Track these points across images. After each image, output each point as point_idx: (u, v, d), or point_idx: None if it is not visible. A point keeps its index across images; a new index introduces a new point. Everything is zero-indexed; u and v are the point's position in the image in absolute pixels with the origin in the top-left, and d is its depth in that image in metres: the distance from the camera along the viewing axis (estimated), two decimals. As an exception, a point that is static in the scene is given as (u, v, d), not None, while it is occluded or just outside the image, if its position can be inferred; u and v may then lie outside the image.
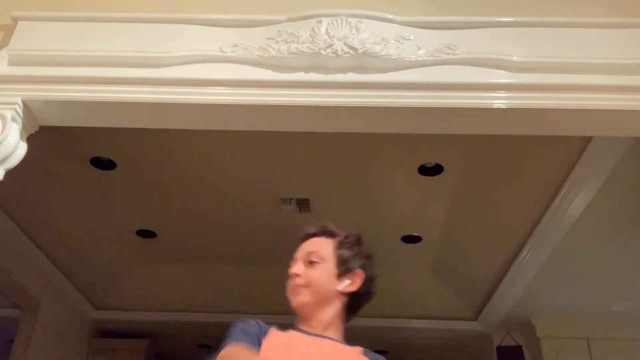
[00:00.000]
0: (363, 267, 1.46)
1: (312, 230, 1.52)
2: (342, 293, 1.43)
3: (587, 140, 2.65)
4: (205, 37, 1.87)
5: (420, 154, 2.99)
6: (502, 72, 1.80)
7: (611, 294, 4.06)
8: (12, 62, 1.84)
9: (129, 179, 3.28)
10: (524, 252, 3.67)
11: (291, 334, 1.40)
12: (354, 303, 1.45)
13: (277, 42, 1.82)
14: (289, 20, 1.86)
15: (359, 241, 1.50)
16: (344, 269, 1.44)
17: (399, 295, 4.27)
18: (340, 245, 1.47)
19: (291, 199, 3.45)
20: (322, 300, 1.42)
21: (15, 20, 1.92)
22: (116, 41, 1.86)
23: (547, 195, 3.12)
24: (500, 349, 4.64)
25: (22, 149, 1.79)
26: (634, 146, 2.49)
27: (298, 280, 1.42)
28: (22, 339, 3.92)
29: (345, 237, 1.49)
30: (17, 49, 1.86)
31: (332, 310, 1.42)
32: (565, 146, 2.73)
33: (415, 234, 3.81)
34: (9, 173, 1.75)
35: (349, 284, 1.43)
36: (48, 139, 2.75)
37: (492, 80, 1.80)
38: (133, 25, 1.90)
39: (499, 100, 1.79)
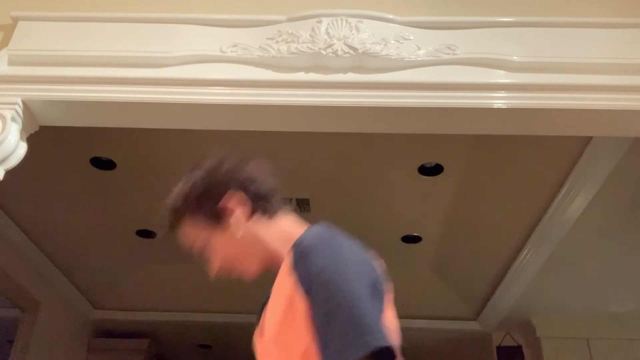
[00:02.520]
0: (226, 188, 1.15)
1: (169, 227, 1.23)
2: (242, 226, 1.14)
3: (587, 140, 2.65)
4: (205, 37, 1.87)
5: (420, 154, 2.99)
6: (502, 72, 1.80)
7: (611, 294, 4.06)
8: (12, 62, 1.84)
9: (129, 179, 3.27)
10: (524, 252, 3.67)
11: None
12: (255, 208, 1.15)
13: (277, 42, 1.83)
14: (289, 20, 1.86)
15: (202, 181, 1.18)
16: (216, 219, 1.15)
17: (398, 295, 4.23)
18: (193, 215, 1.17)
19: (291, 199, 3.44)
20: (247, 259, 1.16)
21: (15, 20, 1.92)
22: (116, 41, 1.87)
23: (547, 195, 3.12)
24: (500, 349, 4.64)
25: (22, 149, 1.79)
26: (634, 146, 2.49)
27: (214, 273, 1.20)
28: (22, 339, 3.92)
29: (181, 206, 1.18)
30: (17, 49, 1.86)
31: (257, 251, 1.16)
32: (565, 146, 2.73)
33: (415, 234, 3.81)
34: (9, 173, 1.75)
35: (237, 217, 1.14)
36: (48, 139, 2.75)
37: (492, 80, 1.80)
38: (133, 25, 1.90)
39: (499, 100, 1.79)
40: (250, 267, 1.17)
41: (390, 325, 0.97)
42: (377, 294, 0.95)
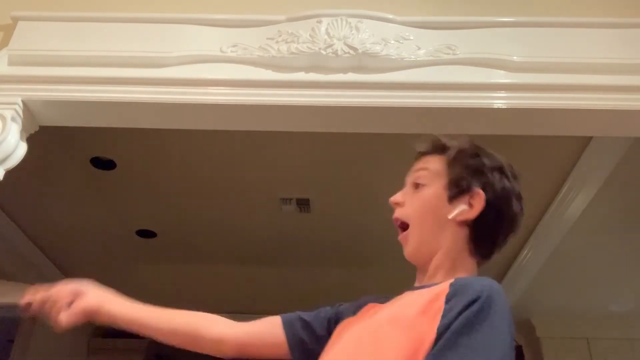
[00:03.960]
0: (485, 185, 1.13)
1: (422, 147, 1.23)
2: (460, 222, 1.10)
3: (587, 140, 2.65)
4: (205, 37, 1.87)
5: (421, 154, 2.99)
6: (502, 72, 1.80)
7: (611, 294, 4.06)
8: (12, 62, 1.84)
9: (129, 179, 3.27)
10: (524, 252, 3.67)
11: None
12: (483, 234, 1.12)
13: (277, 42, 1.82)
14: (289, 20, 1.86)
15: (479, 152, 1.19)
16: (457, 190, 1.12)
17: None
18: (453, 162, 1.15)
19: (291, 199, 3.44)
20: (430, 235, 1.13)
21: (15, 20, 1.92)
22: (116, 41, 1.86)
23: (547, 195, 3.12)
24: (500, 349, 4.63)
25: (22, 149, 1.78)
26: (634, 146, 2.49)
27: (398, 213, 1.18)
28: (22, 339, 3.92)
29: (459, 150, 1.17)
30: (17, 49, 1.86)
31: (446, 245, 1.11)
32: (565, 146, 2.73)
33: (415, 234, 3.80)
34: (9, 173, 1.75)
35: (464, 210, 1.10)
36: (48, 139, 2.75)
37: (492, 80, 1.80)
38: (133, 25, 1.90)
39: (499, 100, 1.79)
40: (418, 239, 1.16)
41: None
42: None
